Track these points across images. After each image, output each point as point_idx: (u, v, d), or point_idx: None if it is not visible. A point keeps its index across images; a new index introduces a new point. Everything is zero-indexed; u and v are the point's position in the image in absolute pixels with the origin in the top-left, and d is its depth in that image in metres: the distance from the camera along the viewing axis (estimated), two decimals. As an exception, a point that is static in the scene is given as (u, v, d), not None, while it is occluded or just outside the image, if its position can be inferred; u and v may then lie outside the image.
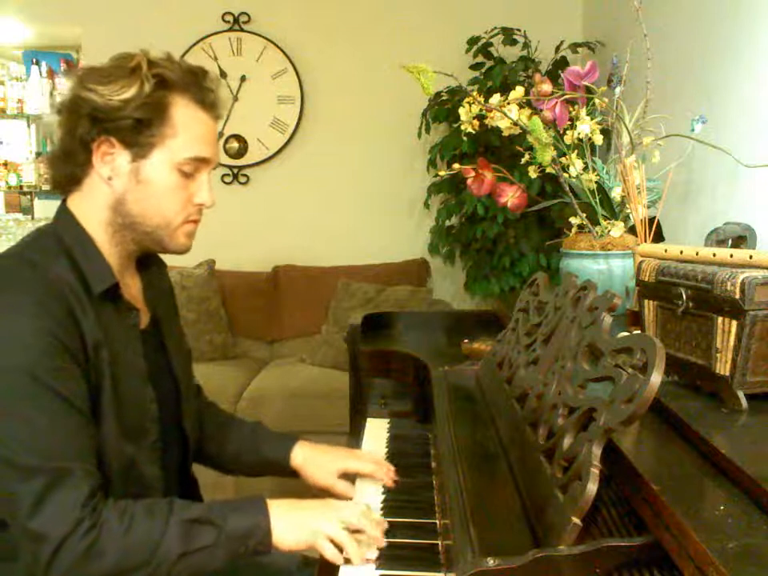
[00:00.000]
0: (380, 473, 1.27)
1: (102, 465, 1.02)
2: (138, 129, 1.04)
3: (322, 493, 1.27)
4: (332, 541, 1.04)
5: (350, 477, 1.31)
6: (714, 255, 1.01)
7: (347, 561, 1.02)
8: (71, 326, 0.99)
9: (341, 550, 1.03)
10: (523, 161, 1.60)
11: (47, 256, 1.04)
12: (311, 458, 1.31)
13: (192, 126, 1.08)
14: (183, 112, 1.07)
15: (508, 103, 1.51)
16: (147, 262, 1.21)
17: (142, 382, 1.12)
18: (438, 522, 1.12)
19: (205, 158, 1.10)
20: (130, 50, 1.10)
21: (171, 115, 1.06)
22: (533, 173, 1.59)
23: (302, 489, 1.33)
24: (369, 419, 1.66)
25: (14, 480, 0.94)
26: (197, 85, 1.09)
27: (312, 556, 1.24)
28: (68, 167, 1.08)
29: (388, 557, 1.02)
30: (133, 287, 1.18)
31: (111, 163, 1.06)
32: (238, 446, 1.35)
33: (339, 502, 1.16)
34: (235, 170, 3.83)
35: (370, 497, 1.23)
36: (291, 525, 1.05)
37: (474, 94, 1.56)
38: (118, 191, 1.07)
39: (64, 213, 1.11)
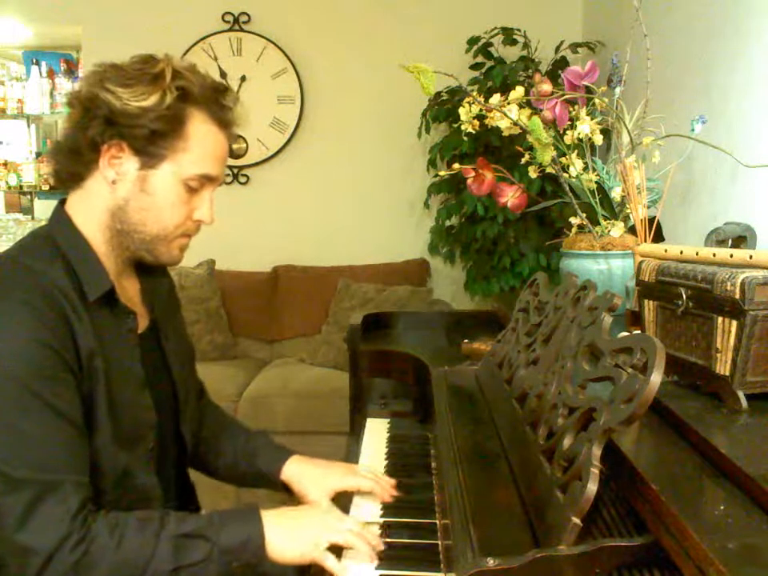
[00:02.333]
0: (378, 490, 1.21)
1: (97, 475, 1.00)
2: (152, 139, 1.02)
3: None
4: (336, 546, 1.02)
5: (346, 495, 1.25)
6: (714, 255, 1.01)
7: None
8: (65, 333, 0.97)
9: (338, 555, 1.02)
10: (523, 161, 1.60)
11: (42, 261, 1.02)
12: (305, 475, 1.25)
13: (206, 142, 1.07)
14: (199, 128, 1.06)
15: (508, 103, 1.51)
16: (146, 264, 1.19)
17: (138, 389, 1.10)
18: (438, 521, 1.12)
19: (212, 176, 1.09)
20: (131, 50, 1.09)
21: (187, 129, 1.04)
22: (533, 173, 1.59)
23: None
24: (369, 419, 1.66)
25: (1, 492, 0.92)
26: (217, 102, 1.08)
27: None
28: (73, 164, 1.07)
29: (388, 557, 1.02)
30: (130, 290, 1.17)
31: (118, 167, 1.04)
32: (231, 453, 1.32)
33: (336, 511, 1.14)
34: (235, 170, 3.83)
35: (367, 505, 1.21)
36: (288, 537, 1.02)
37: (474, 94, 1.56)
38: (120, 196, 1.06)
39: (60, 215, 1.09)
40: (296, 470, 1.26)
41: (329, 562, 1.01)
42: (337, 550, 1.03)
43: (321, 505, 1.18)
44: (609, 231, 1.50)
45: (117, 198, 1.06)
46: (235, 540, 1.00)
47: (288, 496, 1.28)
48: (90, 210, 1.08)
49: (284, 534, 1.02)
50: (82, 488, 0.96)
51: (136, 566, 0.94)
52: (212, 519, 1.02)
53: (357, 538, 1.02)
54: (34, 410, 0.94)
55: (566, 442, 0.84)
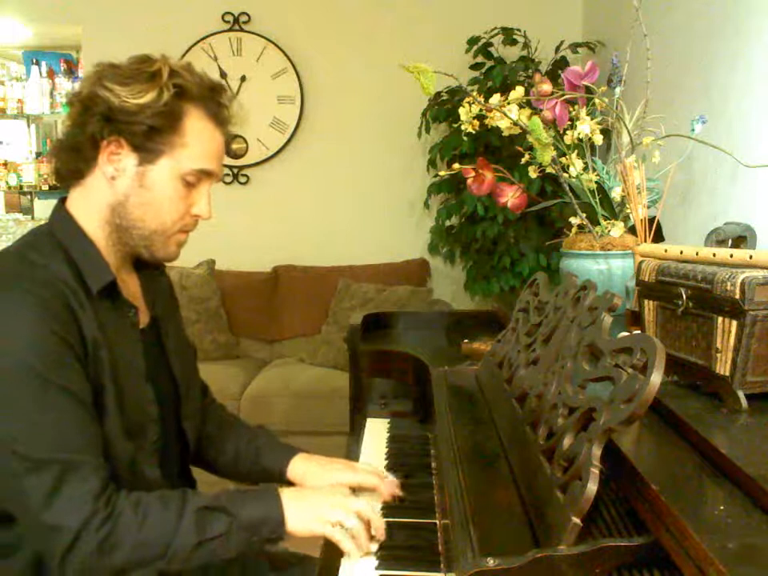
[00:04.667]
0: (381, 487, 1.21)
1: (108, 464, 1.02)
2: (150, 135, 1.04)
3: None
4: (341, 527, 1.04)
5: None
6: (714, 255, 1.00)
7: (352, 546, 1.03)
8: (70, 322, 0.99)
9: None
10: (523, 161, 1.60)
11: (44, 254, 1.04)
12: (309, 471, 1.27)
13: (202, 138, 1.09)
14: (196, 124, 1.08)
15: (508, 103, 1.51)
16: (144, 261, 1.20)
17: (141, 382, 1.12)
18: (438, 521, 1.12)
19: (210, 172, 1.11)
20: (131, 50, 1.11)
21: (184, 126, 1.06)
22: (533, 173, 1.59)
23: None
24: (369, 419, 1.66)
25: (24, 474, 0.94)
26: (213, 99, 1.10)
27: (312, 555, 1.24)
28: (73, 161, 1.08)
29: (388, 557, 1.02)
30: (131, 285, 1.18)
31: (117, 163, 1.06)
32: (235, 451, 1.33)
33: (348, 491, 1.16)
34: (235, 170, 3.83)
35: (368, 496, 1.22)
36: (303, 512, 1.05)
37: (474, 94, 1.56)
38: (120, 192, 1.07)
39: (61, 212, 1.11)
40: (301, 468, 1.27)
41: (343, 541, 1.03)
42: None
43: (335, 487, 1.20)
44: (609, 231, 1.50)
45: (116, 193, 1.08)
46: (255, 515, 1.03)
47: None
48: (91, 206, 1.09)
49: (298, 509, 1.05)
50: (101, 468, 0.98)
51: (161, 543, 0.97)
52: (231, 495, 1.04)
53: (361, 526, 1.04)
54: (47, 393, 0.96)
55: (566, 442, 0.84)
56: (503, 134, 1.56)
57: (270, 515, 1.03)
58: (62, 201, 1.12)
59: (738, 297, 0.88)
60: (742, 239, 1.36)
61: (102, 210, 1.09)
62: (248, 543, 1.02)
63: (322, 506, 1.07)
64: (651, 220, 1.39)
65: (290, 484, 1.28)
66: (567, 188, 1.54)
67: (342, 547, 1.03)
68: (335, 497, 1.10)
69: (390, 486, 1.22)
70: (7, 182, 4.42)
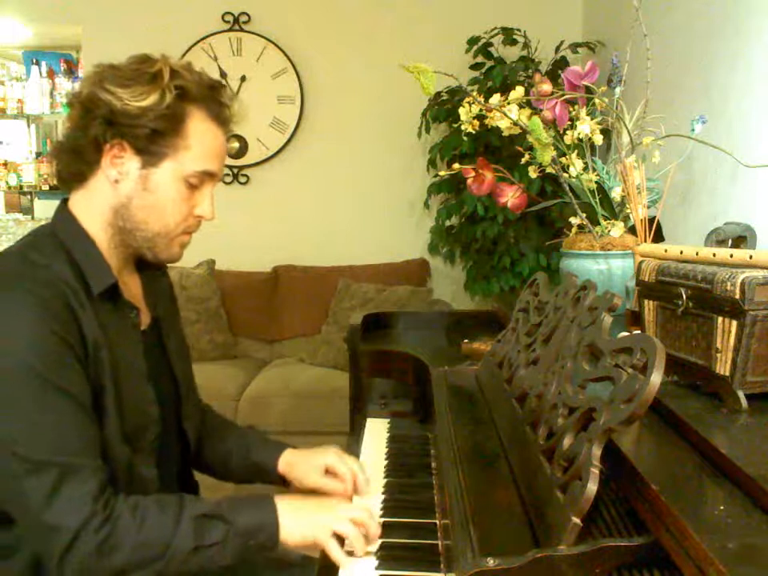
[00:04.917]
0: (339, 488, 1.22)
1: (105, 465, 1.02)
2: (153, 138, 1.04)
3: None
4: (337, 534, 1.04)
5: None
6: (714, 255, 1.00)
7: (350, 553, 1.03)
8: (71, 322, 0.99)
9: (342, 543, 1.04)
10: (523, 161, 1.60)
11: (46, 255, 1.04)
12: (298, 462, 1.28)
13: (205, 140, 1.08)
14: (198, 126, 1.07)
15: (508, 103, 1.51)
16: (146, 262, 1.21)
17: (142, 383, 1.12)
18: (438, 522, 1.12)
19: (212, 173, 1.11)
20: (131, 50, 1.10)
21: (186, 127, 1.06)
22: (533, 173, 1.59)
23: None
24: (369, 419, 1.66)
25: (24, 475, 0.95)
26: (214, 99, 1.10)
27: (313, 556, 1.24)
28: (75, 164, 1.08)
29: (388, 557, 1.02)
30: (132, 287, 1.18)
31: (120, 167, 1.06)
32: (229, 450, 1.33)
33: (345, 501, 1.17)
34: (235, 170, 3.83)
35: (369, 497, 1.22)
36: (298, 521, 1.05)
37: (474, 94, 1.56)
38: (123, 194, 1.07)
39: (63, 213, 1.10)
40: (291, 460, 1.29)
41: (333, 551, 1.03)
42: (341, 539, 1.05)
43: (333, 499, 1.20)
44: (609, 231, 1.50)
45: (120, 196, 1.08)
46: (251, 522, 1.03)
47: (283, 489, 1.30)
48: (94, 208, 1.09)
49: (293, 517, 1.05)
50: (100, 470, 0.99)
51: (158, 545, 0.97)
52: (227, 502, 1.05)
53: (357, 531, 1.04)
54: (47, 394, 0.96)
55: (566, 441, 0.84)
56: (503, 134, 1.56)
57: (266, 521, 1.03)
58: (65, 201, 1.12)
59: (738, 297, 0.88)
60: (742, 239, 1.36)
61: (105, 213, 1.09)
62: (243, 550, 1.02)
63: (318, 513, 1.07)
64: (651, 220, 1.39)
65: (282, 479, 1.29)
66: (567, 188, 1.54)
67: (332, 556, 1.02)
68: (331, 505, 1.11)
69: (359, 487, 1.22)
70: (7, 182, 4.42)
